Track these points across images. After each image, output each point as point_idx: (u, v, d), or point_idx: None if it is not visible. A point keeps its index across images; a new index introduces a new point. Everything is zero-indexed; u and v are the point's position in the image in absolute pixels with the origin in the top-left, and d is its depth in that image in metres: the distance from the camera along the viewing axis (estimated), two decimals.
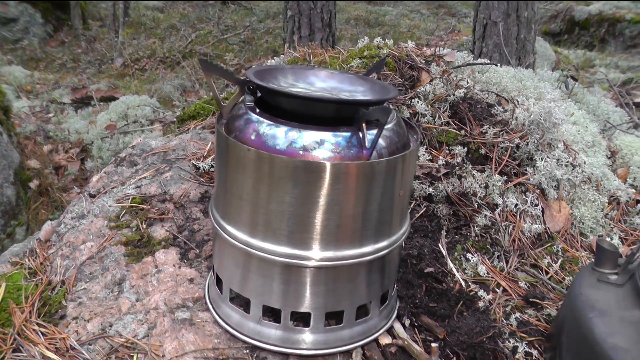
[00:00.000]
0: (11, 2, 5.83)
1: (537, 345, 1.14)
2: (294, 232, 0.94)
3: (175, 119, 3.42)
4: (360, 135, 0.91)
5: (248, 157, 0.92)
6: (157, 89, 4.52)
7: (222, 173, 1.01)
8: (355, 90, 1.08)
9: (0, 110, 3.06)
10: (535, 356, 1.10)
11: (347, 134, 0.91)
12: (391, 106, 1.07)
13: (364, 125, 0.90)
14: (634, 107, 3.41)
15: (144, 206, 1.40)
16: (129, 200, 1.42)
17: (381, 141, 0.94)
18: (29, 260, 1.31)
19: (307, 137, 0.90)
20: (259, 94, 1.04)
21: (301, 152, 0.89)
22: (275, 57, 1.92)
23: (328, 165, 0.88)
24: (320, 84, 1.11)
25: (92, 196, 1.49)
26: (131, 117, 3.57)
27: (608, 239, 1.53)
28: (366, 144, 0.90)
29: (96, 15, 7.10)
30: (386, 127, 0.97)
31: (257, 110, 0.98)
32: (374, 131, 0.92)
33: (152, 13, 7.34)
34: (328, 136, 0.90)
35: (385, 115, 0.86)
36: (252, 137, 0.93)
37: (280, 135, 0.91)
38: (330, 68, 1.73)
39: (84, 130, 3.60)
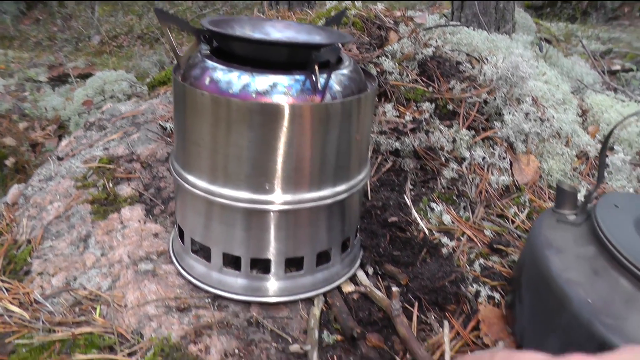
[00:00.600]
0: None
1: (499, 290, 1.15)
2: (252, 177, 0.94)
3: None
4: (313, 78, 0.91)
5: (204, 101, 0.91)
6: (135, 66, 4.47)
7: (180, 121, 1.00)
8: (312, 40, 1.08)
9: None
10: (497, 299, 1.12)
11: (301, 77, 0.91)
12: (346, 57, 1.07)
13: (316, 67, 0.90)
14: (609, 74, 3.44)
15: (111, 166, 1.40)
16: (96, 161, 1.42)
17: (336, 85, 0.94)
18: None
19: (260, 81, 0.90)
20: (215, 44, 1.04)
21: (254, 96, 0.89)
22: None
23: (281, 107, 0.88)
24: (277, 34, 1.10)
25: (60, 159, 1.48)
26: (108, 92, 3.54)
27: (579, 196, 1.55)
28: (319, 86, 0.90)
29: None
30: (342, 72, 0.97)
31: (213, 57, 0.98)
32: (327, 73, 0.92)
33: None
34: (281, 79, 0.90)
35: (335, 54, 0.86)
36: (207, 83, 0.93)
37: (234, 79, 0.91)
38: None
39: (61, 107, 3.57)
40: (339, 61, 1.02)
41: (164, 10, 1.00)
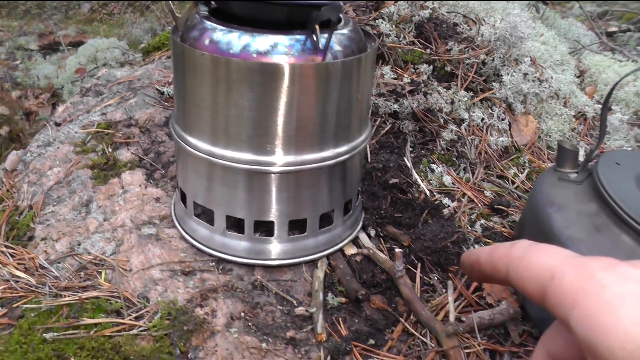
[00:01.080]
0: None
1: None
2: (253, 137, 0.94)
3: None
4: (314, 37, 0.90)
5: (203, 62, 0.91)
6: (127, 33, 4.42)
7: (179, 83, 1.00)
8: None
9: None
10: None
11: (301, 37, 0.90)
12: (346, 17, 1.06)
13: (317, 27, 0.89)
14: (606, 36, 3.42)
15: (110, 131, 1.39)
16: (95, 126, 1.41)
17: (337, 45, 0.94)
18: None
19: (260, 41, 0.89)
20: (213, 5, 1.02)
21: (255, 56, 0.88)
22: None
23: (282, 66, 0.87)
24: None
25: (57, 125, 1.48)
26: (100, 60, 3.50)
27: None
28: (319, 45, 0.89)
29: None
30: (342, 32, 0.97)
31: (211, 18, 0.96)
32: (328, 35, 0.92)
33: None
34: (282, 39, 0.89)
35: (336, 12, 0.86)
36: (207, 43, 0.92)
37: (234, 40, 0.90)
38: None
39: (54, 75, 3.54)
40: (339, 21, 1.01)
41: None
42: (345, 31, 0.97)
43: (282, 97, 0.90)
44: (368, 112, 1.10)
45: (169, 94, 1.51)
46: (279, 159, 0.95)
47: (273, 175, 0.97)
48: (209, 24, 0.95)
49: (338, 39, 0.95)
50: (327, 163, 0.98)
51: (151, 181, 1.26)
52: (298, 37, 0.90)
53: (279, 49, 0.89)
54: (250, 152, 0.95)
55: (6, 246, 1.10)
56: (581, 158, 1.39)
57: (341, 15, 1.05)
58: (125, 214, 1.15)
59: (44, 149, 1.38)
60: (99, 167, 1.28)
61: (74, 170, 1.28)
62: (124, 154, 1.32)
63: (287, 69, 0.88)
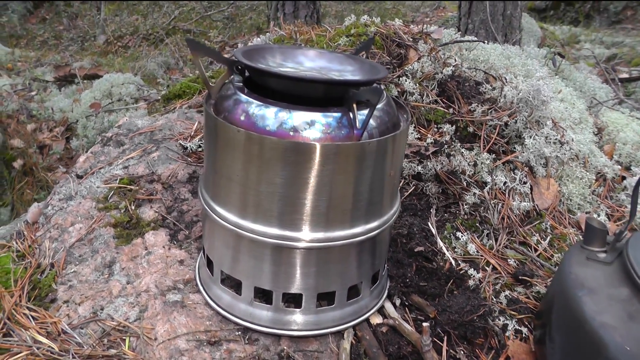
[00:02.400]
0: None
1: (526, 323, 1.15)
2: (284, 214, 0.94)
3: (159, 97, 3.39)
4: (351, 115, 0.90)
5: (238, 138, 0.91)
6: (141, 67, 4.46)
7: (211, 154, 1.00)
8: (345, 70, 1.07)
9: None
10: (525, 333, 1.12)
11: (338, 114, 0.91)
12: (381, 86, 1.07)
13: (354, 105, 0.89)
14: (619, 83, 3.43)
15: (132, 187, 1.39)
16: (117, 181, 1.41)
17: (371, 121, 0.94)
18: (16, 243, 1.30)
19: (297, 118, 0.89)
20: (247, 74, 1.03)
21: (291, 133, 0.89)
22: (261, 35, 1.90)
23: (318, 146, 0.87)
24: (309, 63, 1.09)
25: (79, 177, 1.48)
26: (115, 96, 3.53)
27: (596, 216, 1.54)
28: (357, 124, 0.89)
29: None
30: (378, 107, 0.97)
31: (246, 90, 0.97)
32: (364, 111, 0.92)
33: None
34: (318, 117, 0.90)
35: (376, 96, 0.86)
36: (242, 118, 0.92)
37: (270, 115, 0.90)
38: (317, 47, 1.71)
39: (68, 108, 3.56)
40: (378, 103, 1.01)
41: (195, 40, 0.99)
42: (380, 106, 0.98)
43: (316, 176, 0.90)
44: (399, 183, 1.09)
45: (191, 149, 1.51)
46: (307, 235, 0.95)
47: (301, 250, 0.97)
48: (243, 96, 0.95)
49: (373, 115, 0.95)
50: (358, 239, 0.98)
51: (175, 242, 1.25)
52: (334, 114, 0.91)
53: (316, 126, 0.89)
54: (279, 227, 0.95)
55: (28, 308, 1.09)
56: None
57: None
58: (149, 277, 1.14)
59: (65, 203, 1.37)
60: (122, 226, 1.28)
61: (96, 228, 1.28)
62: (147, 212, 1.32)
63: (323, 148, 0.88)
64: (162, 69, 4.55)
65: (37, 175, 3.20)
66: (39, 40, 5.21)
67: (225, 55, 1.01)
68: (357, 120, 0.89)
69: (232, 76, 1.02)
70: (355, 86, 0.91)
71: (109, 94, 3.59)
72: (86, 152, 1.63)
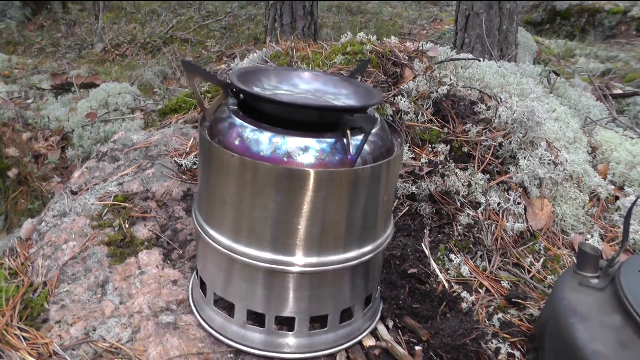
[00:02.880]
0: None
1: (519, 346, 1.15)
2: (277, 238, 0.94)
3: (155, 109, 3.39)
4: (345, 141, 0.90)
5: (232, 163, 0.91)
6: (138, 76, 4.46)
7: (205, 177, 1.00)
8: (339, 93, 1.08)
9: None
10: (517, 357, 1.12)
11: (331, 140, 0.91)
12: (375, 113, 1.07)
13: (348, 132, 0.90)
14: (612, 100, 3.45)
15: (126, 204, 1.39)
16: (111, 198, 1.41)
17: (365, 146, 0.94)
18: (9, 260, 1.29)
19: (291, 143, 0.90)
20: (242, 96, 1.03)
21: (285, 159, 0.89)
22: (257, 51, 1.91)
23: (312, 172, 0.88)
24: (304, 85, 1.10)
25: (73, 193, 1.47)
26: (112, 105, 3.53)
27: (589, 237, 1.55)
28: (351, 150, 0.90)
29: None
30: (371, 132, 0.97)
31: (241, 113, 0.97)
32: (359, 137, 0.92)
33: None
34: (312, 142, 0.90)
35: (371, 124, 0.86)
36: (236, 142, 0.92)
37: (264, 140, 0.91)
38: (313, 64, 1.72)
39: (64, 117, 3.55)
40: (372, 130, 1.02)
41: (191, 62, 1.00)
42: (374, 131, 0.98)
43: (310, 202, 0.90)
44: (392, 206, 1.10)
45: (186, 167, 1.51)
46: (301, 260, 0.95)
47: (294, 275, 0.97)
48: (238, 120, 0.95)
49: (367, 141, 0.95)
50: (351, 263, 0.98)
51: (168, 261, 1.25)
52: (328, 140, 0.91)
53: (309, 152, 0.89)
54: (272, 251, 0.95)
55: (19, 328, 1.09)
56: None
57: (372, 111, 1.06)
58: (142, 298, 1.14)
59: (59, 220, 1.37)
60: (115, 244, 1.28)
61: (89, 246, 1.28)
62: (141, 230, 1.32)
63: (317, 175, 0.88)
64: (159, 79, 4.55)
65: (31, 185, 3.19)
66: (36, 47, 5.21)
67: (220, 78, 1.02)
68: (351, 147, 0.90)
69: (227, 98, 1.02)
70: (349, 112, 0.91)
71: (106, 103, 3.59)
72: (81, 165, 1.63)
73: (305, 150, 0.89)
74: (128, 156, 1.62)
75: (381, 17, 7.02)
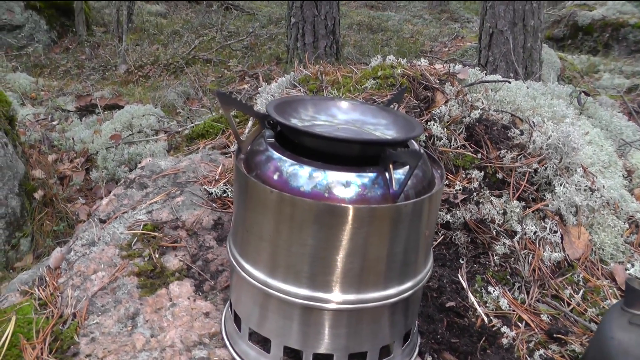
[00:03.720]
0: (17, 9, 5.80)
1: None
2: (315, 275, 0.91)
3: (179, 130, 3.39)
4: (387, 176, 0.88)
5: (270, 198, 0.89)
6: (161, 97, 4.48)
7: (241, 211, 0.98)
8: (379, 124, 1.05)
9: (6, 120, 3.03)
10: None
11: (373, 174, 0.88)
12: (417, 146, 1.04)
13: (391, 166, 0.87)
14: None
15: (156, 234, 1.37)
16: (141, 227, 1.39)
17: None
18: (38, 290, 1.28)
19: (331, 178, 0.87)
20: (279, 129, 1.01)
21: (325, 194, 0.86)
22: (285, 75, 1.89)
23: (352, 208, 0.85)
24: (343, 116, 1.08)
25: (102, 221, 1.46)
26: (136, 127, 3.54)
27: (628, 266, 1.50)
28: (394, 185, 0.87)
29: (100, 21, 7.06)
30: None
31: (279, 146, 0.95)
32: (400, 170, 0.89)
33: (155, 19, 7.32)
34: (353, 177, 0.87)
35: (416, 160, 0.83)
36: (274, 177, 0.90)
37: (304, 175, 0.88)
38: (344, 89, 1.70)
39: (89, 139, 3.57)
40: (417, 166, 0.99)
41: (227, 94, 0.98)
42: None
43: (350, 239, 0.87)
44: (432, 241, 1.06)
45: (216, 195, 1.50)
46: (338, 297, 0.92)
47: (332, 311, 0.94)
48: (276, 154, 0.93)
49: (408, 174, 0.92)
50: (391, 301, 0.95)
51: (200, 293, 1.22)
52: (370, 174, 0.88)
53: (351, 187, 0.87)
54: (309, 288, 0.92)
55: None
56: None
57: (414, 143, 1.03)
58: (174, 331, 1.11)
59: (88, 249, 1.36)
60: (146, 275, 1.26)
61: (119, 277, 1.26)
62: (171, 261, 1.30)
63: (357, 211, 0.85)
64: (182, 99, 4.57)
65: (56, 206, 3.20)
66: (61, 69, 5.26)
67: (257, 109, 1.00)
68: (393, 182, 0.87)
69: (263, 130, 1.00)
70: (391, 146, 0.89)
71: (130, 125, 3.61)
72: (105, 186, 1.62)
73: (347, 186, 0.87)
74: (156, 183, 1.60)
75: (402, 35, 7.02)
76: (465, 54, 5.82)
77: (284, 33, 5.94)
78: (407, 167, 0.87)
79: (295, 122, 0.98)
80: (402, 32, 7.30)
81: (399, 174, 0.89)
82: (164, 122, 3.65)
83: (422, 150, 1.00)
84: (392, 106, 1.16)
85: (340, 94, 1.68)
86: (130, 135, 3.48)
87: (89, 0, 6.99)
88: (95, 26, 6.78)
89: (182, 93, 4.66)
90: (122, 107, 3.95)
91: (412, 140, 1.05)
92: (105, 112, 4.17)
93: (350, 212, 0.85)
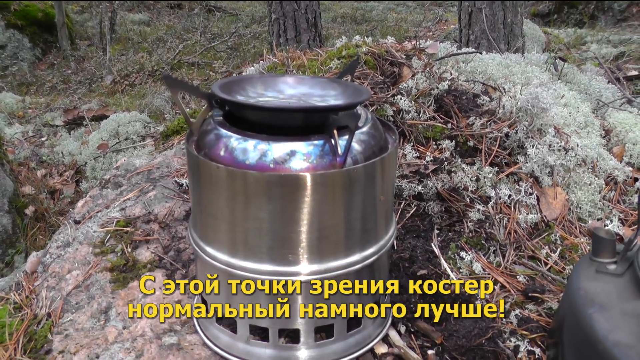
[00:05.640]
0: None
1: (539, 343, 1.10)
2: (274, 249, 0.91)
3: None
4: (333, 142, 0.87)
5: (219, 174, 0.88)
6: (148, 103, 4.48)
7: (195, 193, 0.97)
8: (327, 95, 1.05)
9: None
10: (538, 354, 1.07)
11: (319, 142, 0.88)
12: (363, 111, 1.03)
13: (335, 132, 0.86)
14: (625, 81, 3.37)
15: (129, 229, 1.37)
16: (114, 224, 1.39)
17: (356, 146, 0.91)
18: (14, 295, 1.28)
19: (277, 149, 0.87)
20: (227, 108, 1.01)
21: (272, 165, 0.86)
22: (254, 64, 1.89)
23: (301, 176, 0.85)
24: (290, 90, 1.07)
25: (76, 222, 1.46)
26: (122, 135, 3.54)
27: (608, 222, 1.49)
28: (339, 151, 0.86)
29: (84, 34, 7.07)
30: (361, 130, 0.94)
31: (226, 124, 0.94)
32: (347, 137, 0.89)
33: (139, 27, 7.31)
34: (299, 146, 0.87)
35: (355, 121, 0.83)
36: (222, 153, 0.90)
37: (250, 148, 0.88)
38: (309, 72, 1.69)
39: (77, 151, 3.58)
40: (358, 128, 0.98)
41: (171, 76, 0.97)
42: (364, 129, 0.95)
43: (304, 207, 0.87)
44: (392, 206, 1.06)
45: (187, 186, 1.49)
46: (303, 269, 0.91)
47: (294, 285, 0.93)
48: (223, 131, 0.93)
49: (357, 139, 0.91)
50: (354, 268, 0.94)
51: (172, 282, 1.22)
52: (316, 142, 0.88)
53: (297, 156, 0.86)
54: (271, 263, 0.91)
55: None
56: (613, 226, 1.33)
57: (360, 109, 1.03)
58: (145, 321, 1.11)
59: (63, 250, 1.36)
60: (118, 269, 1.25)
61: (92, 274, 1.26)
62: (144, 254, 1.29)
63: (307, 179, 0.85)
64: (169, 104, 4.57)
65: (49, 221, 3.21)
66: (48, 85, 5.27)
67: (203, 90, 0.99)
68: (338, 147, 0.86)
69: (212, 111, 1.00)
70: (334, 111, 0.88)
71: (116, 133, 3.61)
72: (85, 196, 1.62)
73: (293, 155, 0.86)
74: (130, 181, 1.60)
75: (386, 24, 7.00)
76: (448, 36, 5.79)
77: (267, 31, 5.92)
78: None
79: (241, 99, 0.97)
80: (387, 21, 7.28)
81: (345, 140, 0.88)
82: (150, 127, 3.65)
83: (369, 115, 0.99)
84: (345, 78, 1.15)
85: None
86: (117, 143, 3.48)
87: (70, 14, 6.99)
88: (79, 40, 6.79)
89: (168, 98, 4.66)
90: (109, 117, 3.96)
91: (361, 108, 1.04)
92: (93, 123, 4.18)
93: (298, 181, 0.85)
